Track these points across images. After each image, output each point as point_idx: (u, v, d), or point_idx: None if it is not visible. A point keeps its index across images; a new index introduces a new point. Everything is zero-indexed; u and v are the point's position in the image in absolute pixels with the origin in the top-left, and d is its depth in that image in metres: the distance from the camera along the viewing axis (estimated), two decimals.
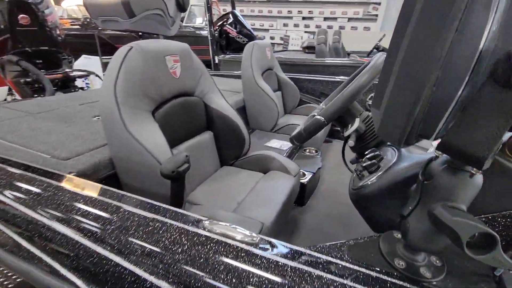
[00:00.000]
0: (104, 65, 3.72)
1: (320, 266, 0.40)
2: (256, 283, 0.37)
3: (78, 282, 0.45)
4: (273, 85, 2.11)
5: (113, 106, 0.83)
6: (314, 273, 0.39)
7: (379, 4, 6.50)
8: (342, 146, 0.83)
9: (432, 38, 0.24)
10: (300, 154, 1.67)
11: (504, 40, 0.24)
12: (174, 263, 0.42)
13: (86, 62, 3.58)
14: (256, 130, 2.01)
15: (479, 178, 0.33)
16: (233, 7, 4.00)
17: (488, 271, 0.41)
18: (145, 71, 0.90)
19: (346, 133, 0.75)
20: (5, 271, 0.57)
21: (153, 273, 0.41)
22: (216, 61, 2.96)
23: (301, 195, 1.34)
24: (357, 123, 0.73)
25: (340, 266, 0.41)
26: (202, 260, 0.41)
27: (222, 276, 0.39)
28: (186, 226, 0.47)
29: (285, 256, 0.42)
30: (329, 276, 0.38)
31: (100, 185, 0.62)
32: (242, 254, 0.42)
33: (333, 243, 0.46)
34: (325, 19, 7.13)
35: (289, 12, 7.42)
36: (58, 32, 2.64)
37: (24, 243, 0.52)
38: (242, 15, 3.98)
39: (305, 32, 7.33)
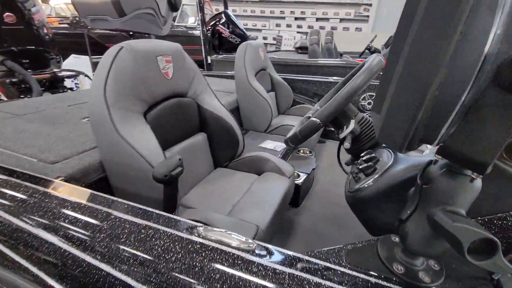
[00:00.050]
0: (94, 65, 3.64)
1: (319, 272, 0.39)
2: None
3: None
4: (266, 86, 2.10)
5: (102, 107, 0.80)
6: (313, 280, 0.38)
7: (370, 5, 6.58)
8: (335, 146, 0.82)
9: (437, 39, 0.23)
10: (294, 155, 1.66)
11: (508, 43, 0.23)
12: (168, 272, 0.40)
13: (75, 61, 3.50)
14: (250, 131, 2.00)
15: (478, 182, 0.33)
16: (226, 7, 3.98)
17: (486, 274, 0.41)
18: (136, 71, 0.88)
19: (342, 135, 0.75)
20: None
21: (146, 283, 0.40)
22: (209, 61, 2.94)
23: (296, 196, 1.34)
24: (352, 124, 0.73)
25: (338, 272, 0.40)
26: (197, 268, 0.40)
27: (218, 286, 0.37)
28: (180, 233, 0.46)
29: (282, 263, 0.41)
30: (328, 283, 0.37)
31: (89, 191, 0.59)
32: (239, 262, 0.40)
33: (331, 248, 0.46)
34: (318, 19, 7.19)
35: (282, 12, 7.44)
36: (45, 31, 2.57)
37: (9, 252, 0.50)
38: (234, 15, 3.96)
39: (298, 32, 7.36)
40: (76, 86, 2.93)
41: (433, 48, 0.24)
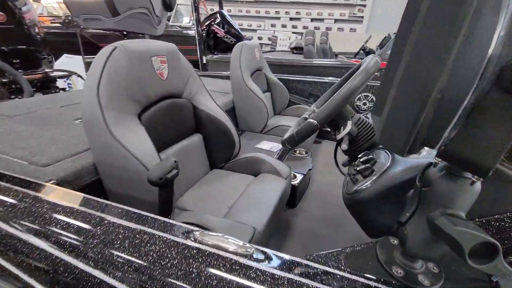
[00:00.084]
0: (87, 65, 3.59)
1: (318, 277, 0.39)
2: None
3: None
4: (262, 86, 2.09)
5: (96, 108, 0.79)
6: (312, 285, 0.37)
7: (364, 6, 6.63)
8: (331, 146, 0.82)
9: (440, 40, 0.23)
10: (291, 156, 1.66)
11: (511, 45, 0.23)
12: (164, 278, 0.39)
13: (68, 61, 3.45)
14: (246, 132, 1.99)
15: (478, 185, 0.33)
16: (221, 7, 3.96)
17: (485, 276, 0.41)
18: (130, 72, 0.86)
19: (339, 137, 0.74)
20: None
21: None
22: (204, 61, 2.92)
23: (292, 197, 1.33)
24: (349, 126, 0.72)
25: (338, 276, 0.39)
26: (193, 274, 0.39)
27: None
28: (175, 238, 0.45)
29: (281, 267, 0.40)
30: None
31: (82, 194, 0.58)
32: (236, 267, 0.40)
33: (330, 251, 0.45)
34: (312, 20, 7.22)
35: (277, 12, 7.45)
36: (36, 30, 2.53)
37: None
38: (230, 15, 3.95)
39: (293, 32, 7.38)
40: (69, 87, 2.89)
41: (436, 49, 0.23)
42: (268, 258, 0.42)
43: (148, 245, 0.44)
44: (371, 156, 0.65)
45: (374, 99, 2.05)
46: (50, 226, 0.49)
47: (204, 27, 3.74)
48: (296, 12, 7.26)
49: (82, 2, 0.99)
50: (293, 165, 1.46)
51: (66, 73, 2.82)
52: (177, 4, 5.20)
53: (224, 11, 3.90)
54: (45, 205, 0.53)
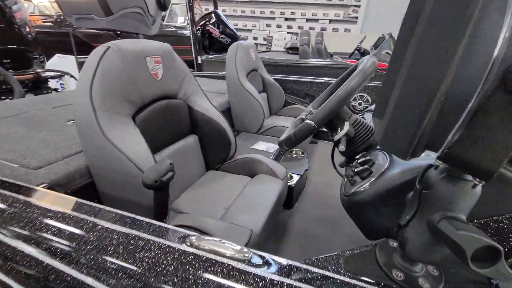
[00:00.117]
0: (80, 65, 3.53)
1: (317, 282, 0.38)
2: None
3: None
4: (258, 86, 2.08)
5: (88, 109, 0.77)
6: None
7: (358, 6, 6.67)
8: (327, 147, 0.82)
9: (444, 41, 0.22)
10: (287, 156, 1.65)
11: None
12: (159, 285, 0.38)
13: (60, 61, 3.39)
14: (242, 132, 1.98)
15: (479, 187, 0.32)
16: (216, 7, 3.94)
17: (485, 279, 0.41)
18: (124, 72, 0.84)
19: (336, 137, 0.74)
20: None
21: None
22: (199, 62, 2.90)
23: (289, 198, 1.33)
24: (346, 126, 0.72)
25: (338, 281, 0.39)
26: (190, 281, 0.38)
27: None
28: (171, 243, 0.44)
29: (280, 272, 0.39)
30: None
31: (74, 199, 0.56)
32: (234, 273, 0.39)
33: (329, 255, 0.44)
34: (307, 20, 7.23)
35: (272, 12, 7.45)
36: (27, 29, 2.48)
37: None
38: (224, 15, 3.93)
39: (288, 33, 7.39)
40: (62, 87, 2.83)
41: (440, 50, 0.23)
42: (266, 263, 0.41)
43: (143, 251, 0.42)
44: (369, 157, 0.65)
45: (370, 100, 2.05)
46: (41, 232, 0.47)
47: (199, 27, 3.72)
48: (291, 12, 7.27)
49: (74, 1, 0.97)
50: (289, 166, 1.45)
51: (58, 73, 2.77)
52: (172, 4, 5.16)
53: (219, 11, 3.88)
54: (36, 210, 0.52)
